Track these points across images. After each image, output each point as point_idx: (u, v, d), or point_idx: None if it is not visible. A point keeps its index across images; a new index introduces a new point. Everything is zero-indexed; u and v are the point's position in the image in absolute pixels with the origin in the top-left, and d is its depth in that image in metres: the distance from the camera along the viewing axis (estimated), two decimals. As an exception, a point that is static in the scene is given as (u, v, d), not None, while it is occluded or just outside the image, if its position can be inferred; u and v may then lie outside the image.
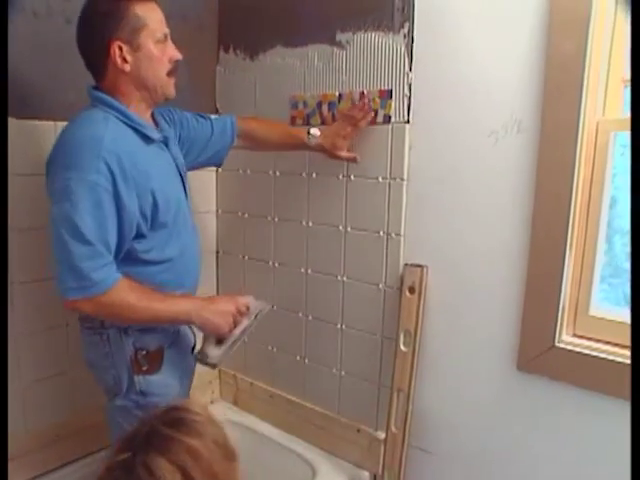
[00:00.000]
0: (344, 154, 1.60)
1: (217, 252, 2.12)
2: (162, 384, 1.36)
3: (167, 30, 1.28)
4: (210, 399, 2.20)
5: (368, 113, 1.57)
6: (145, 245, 1.29)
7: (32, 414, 1.63)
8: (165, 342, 1.37)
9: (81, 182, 1.14)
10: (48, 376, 1.66)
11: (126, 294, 1.22)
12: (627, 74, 1.25)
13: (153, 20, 1.24)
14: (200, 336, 1.43)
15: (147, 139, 1.30)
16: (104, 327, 1.31)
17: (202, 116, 1.59)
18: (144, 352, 1.33)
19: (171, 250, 1.35)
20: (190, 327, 1.50)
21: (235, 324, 1.35)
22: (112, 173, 1.17)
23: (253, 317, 1.39)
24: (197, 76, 1.94)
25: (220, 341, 1.35)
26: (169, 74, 1.30)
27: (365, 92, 1.59)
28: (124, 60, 1.22)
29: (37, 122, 1.54)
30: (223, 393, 2.21)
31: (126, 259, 1.27)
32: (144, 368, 1.33)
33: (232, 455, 0.82)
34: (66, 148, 1.20)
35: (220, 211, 2.09)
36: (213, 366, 1.37)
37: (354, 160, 1.62)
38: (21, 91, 1.50)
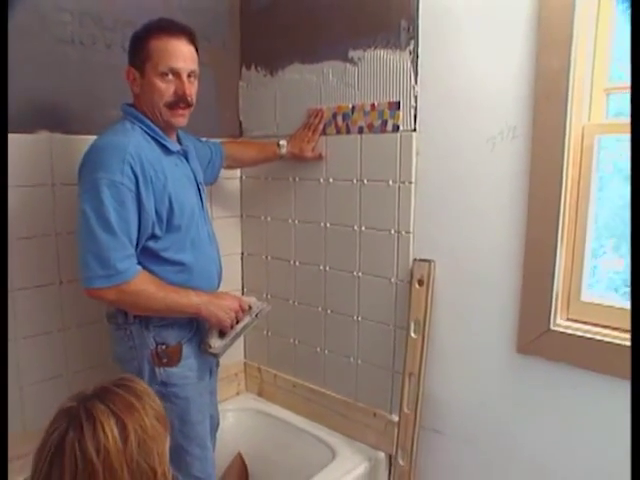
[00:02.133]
0: (310, 154, 1.91)
1: (242, 253, 2.29)
2: (181, 376, 1.47)
3: (180, 65, 1.38)
4: (236, 391, 2.35)
5: (323, 118, 1.88)
6: (161, 244, 1.42)
7: (31, 415, 1.70)
8: (183, 337, 1.49)
9: (108, 182, 1.29)
10: (46, 378, 1.73)
11: (146, 284, 1.36)
12: (608, 84, 1.40)
13: (160, 54, 1.36)
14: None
15: (167, 150, 1.45)
16: (127, 323, 1.44)
17: (200, 140, 1.79)
18: (164, 346, 1.45)
19: (186, 254, 1.47)
20: None
21: (237, 320, 1.51)
22: (135, 175, 1.32)
23: (254, 315, 1.55)
24: (221, 91, 2.12)
25: (222, 334, 1.51)
26: (170, 106, 1.41)
27: (375, 104, 1.75)
28: (134, 83, 1.42)
29: (81, 137, 1.69)
30: (249, 385, 2.37)
31: (146, 256, 1.40)
32: (164, 361, 1.44)
33: (163, 420, 0.93)
34: (96, 152, 1.34)
35: (244, 215, 2.25)
36: (215, 355, 1.54)
37: (320, 158, 1.90)
38: (68, 110, 1.68)
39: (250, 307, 1.55)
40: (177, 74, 1.39)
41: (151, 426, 0.88)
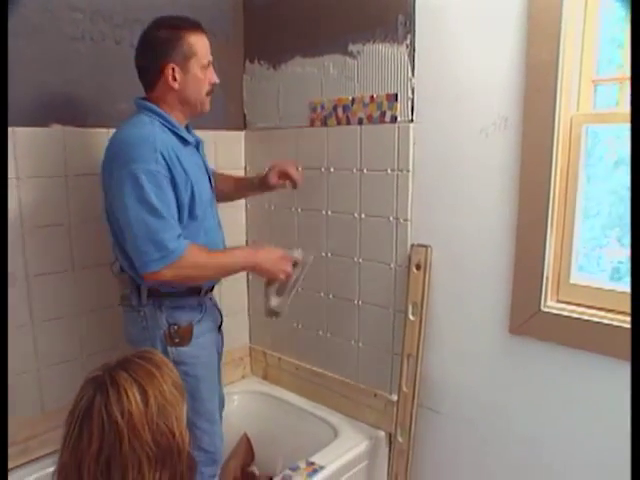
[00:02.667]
0: (274, 180, 1.82)
1: (247, 241, 2.36)
2: (191, 355, 1.55)
3: (211, 57, 1.53)
4: (242, 374, 2.44)
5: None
6: (183, 233, 1.49)
7: (48, 396, 1.79)
8: (194, 318, 1.57)
9: (145, 170, 1.36)
10: (62, 361, 1.82)
11: (197, 256, 1.44)
12: (596, 76, 1.46)
13: (201, 49, 1.49)
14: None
15: (184, 141, 1.53)
16: (141, 305, 1.53)
17: None
18: (176, 327, 1.53)
19: (201, 241, 1.52)
20: (217, 306, 1.72)
21: (286, 272, 1.59)
22: (167, 163, 1.41)
23: (303, 267, 1.64)
24: (226, 85, 2.16)
25: (279, 292, 1.61)
26: (207, 94, 1.54)
27: (374, 95, 1.82)
28: (174, 79, 1.47)
29: (93, 130, 1.78)
30: (254, 369, 2.45)
31: None
32: (176, 340, 1.53)
33: (180, 388, 1.01)
34: (126, 146, 1.41)
35: (249, 204, 2.33)
36: (277, 314, 1.64)
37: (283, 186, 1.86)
38: (80, 104, 1.76)
39: (296, 262, 1.62)
40: (210, 65, 1.53)
41: (169, 392, 0.96)
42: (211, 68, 1.54)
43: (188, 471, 0.99)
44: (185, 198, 1.47)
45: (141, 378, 0.94)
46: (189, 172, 1.48)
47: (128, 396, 0.91)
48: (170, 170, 1.41)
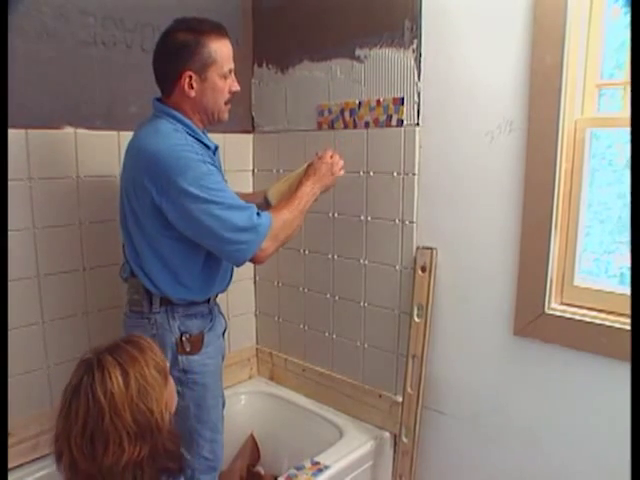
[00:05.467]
0: None
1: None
2: (201, 363, 1.53)
3: (232, 65, 1.46)
4: (249, 375, 2.45)
5: None
6: None
7: (58, 393, 1.83)
8: (205, 327, 1.56)
9: (199, 178, 1.34)
10: (71, 359, 1.76)
11: (279, 216, 1.45)
12: (600, 80, 1.48)
13: (222, 57, 1.42)
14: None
15: (206, 147, 1.48)
16: (152, 312, 1.50)
17: None
18: (188, 335, 1.50)
19: None
20: (222, 315, 1.70)
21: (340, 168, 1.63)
22: (210, 159, 1.42)
23: None
24: (235, 88, 2.21)
25: None
26: (226, 103, 1.49)
27: (381, 99, 1.84)
28: (191, 87, 1.41)
29: (104, 132, 1.81)
30: (260, 370, 2.47)
31: (188, 245, 1.45)
32: (187, 349, 1.50)
33: (163, 371, 1.09)
34: (169, 160, 1.35)
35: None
36: None
37: None
38: (91, 107, 1.78)
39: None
40: (231, 73, 1.48)
41: (150, 375, 1.05)
42: (232, 76, 1.48)
43: (172, 445, 1.08)
44: None
45: (124, 361, 1.03)
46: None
47: (111, 378, 1.00)
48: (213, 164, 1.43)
